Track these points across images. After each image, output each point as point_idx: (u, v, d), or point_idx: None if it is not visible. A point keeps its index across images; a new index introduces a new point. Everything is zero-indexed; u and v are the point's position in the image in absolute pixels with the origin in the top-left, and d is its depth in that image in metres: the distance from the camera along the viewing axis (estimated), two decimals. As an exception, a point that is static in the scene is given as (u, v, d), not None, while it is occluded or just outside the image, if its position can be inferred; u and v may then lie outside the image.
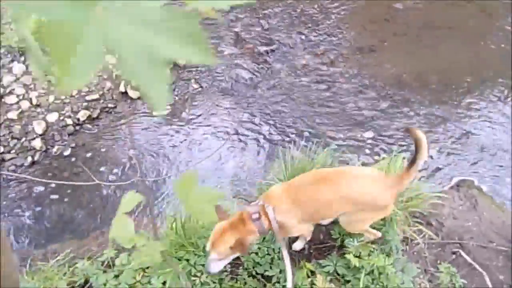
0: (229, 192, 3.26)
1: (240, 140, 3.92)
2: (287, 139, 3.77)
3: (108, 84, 4.33)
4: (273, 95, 4.32)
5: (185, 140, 3.96)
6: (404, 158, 2.83)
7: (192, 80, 4.51)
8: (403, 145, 3.45)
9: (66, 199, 3.49)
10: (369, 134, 3.73)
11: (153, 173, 3.75)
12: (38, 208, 3.47)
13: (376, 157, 3.31)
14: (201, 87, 4.44)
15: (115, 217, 0.91)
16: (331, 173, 2.06)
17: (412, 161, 1.92)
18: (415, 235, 2.54)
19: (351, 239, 2.23)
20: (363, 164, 3.06)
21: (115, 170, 3.73)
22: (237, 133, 3.99)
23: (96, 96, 4.22)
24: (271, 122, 4.06)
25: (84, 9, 0.51)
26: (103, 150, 3.90)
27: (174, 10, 0.56)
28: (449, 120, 3.93)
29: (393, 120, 3.93)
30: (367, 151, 3.51)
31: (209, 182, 3.55)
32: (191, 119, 4.14)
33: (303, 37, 4.88)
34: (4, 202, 3.41)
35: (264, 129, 3.99)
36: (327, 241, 2.43)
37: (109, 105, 4.23)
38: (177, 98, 4.35)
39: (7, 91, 4.12)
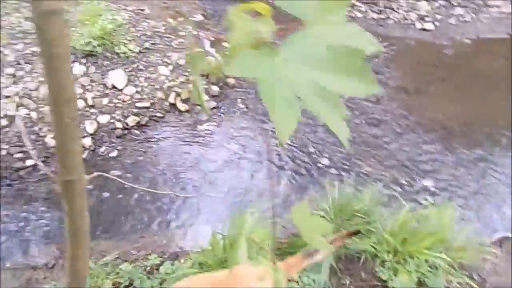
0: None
1: (280, 167, 3.96)
2: (329, 172, 3.79)
3: (159, 94, 4.49)
4: (316, 125, 4.37)
5: (224, 158, 4.03)
6: (451, 207, 2.80)
7: (239, 100, 4.63)
8: (449, 191, 3.42)
9: (108, 199, 3.59)
10: (412, 177, 3.71)
11: (189, 187, 3.81)
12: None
13: (424, 202, 3.28)
14: (247, 108, 4.55)
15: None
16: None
17: (309, 254, 1.74)
18: (460, 287, 2.49)
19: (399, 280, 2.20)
20: (412, 210, 3.02)
21: (151, 177, 3.82)
22: (278, 158, 4.04)
23: (147, 104, 4.38)
24: (313, 152, 4.09)
25: (269, 64, 0.58)
26: (146, 156, 4.01)
27: (339, 49, 0.61)
28: (496, 171, 3.88)
29: (436, 166, 3.91)
30: (411, 194, 3.48)
31: (244, 203, 3.58)
32: (234, 137, 4.23)
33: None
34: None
35: (307, 159, 4.02)
36: (370, 279, 2.41)
37: (158, 114, 4.37)
38: (223, 115, 4.47)
39: (66, 89, 4.32)
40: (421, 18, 6.20)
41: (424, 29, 6.02)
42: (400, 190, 3.51)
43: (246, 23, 0.56)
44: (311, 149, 4.01)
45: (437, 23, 6.14)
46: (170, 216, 3.29)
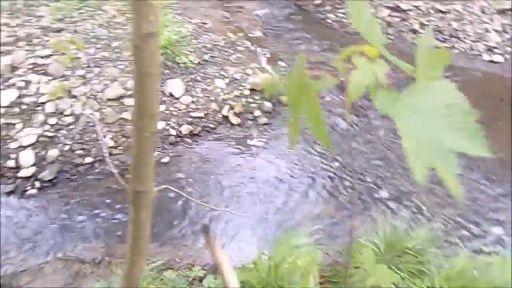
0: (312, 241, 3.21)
1: (327, 189, 3.88)
2: (385, 204, 3.64)
3: (214, 106, 4.60)
4: (367, 150, 4.24)
5: (272, 175, 4.02)
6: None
7: (290, 119, 4.62)
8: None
9: (156, 205, 3.69)
10: (473, 220, 3.47)
11: (235, 202, 3.83)
12: (125, 206, 3.72)
13: (484, 248, 3.05)
14: (298, 127, 4.53)
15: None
16: None
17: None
18: None
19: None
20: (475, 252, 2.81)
21: (200, 187, 3.88)
22: (324, 179, 3.96)
23: (201, 114, 4.50)
24: (361, 176, 3.97)
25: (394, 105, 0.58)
26: (196, 166, 4.10)
27: (456, 108, 0.60)
28: None
29: (501, 211, 3.63)
30: (471, 239, 3.25)
31: (291, 224, 3.53)
32: (283, 155, 4.21)
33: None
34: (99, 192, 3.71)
35: (351, 182, 3.91)
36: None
37: (210, 125, 4.47)
38: (273, 133, 4.48)
39: (128, 93, 4.57)
40: (490, 50, 5.89)
41: (492, 61, 5.71)
42: (459, 233, 3.29)
43: (365, 65, 0.57)
44: (369, 179, 3.88)
45: (507, 56, 5.80)
46: (216, 229, 3.32)
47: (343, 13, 6.61)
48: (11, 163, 3.87)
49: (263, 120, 4.58)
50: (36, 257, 3.29)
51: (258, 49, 5.76)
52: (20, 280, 3.03)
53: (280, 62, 5.50)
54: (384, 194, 3.74)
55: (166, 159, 4.11)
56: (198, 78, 4.91)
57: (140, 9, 0.85)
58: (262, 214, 3.51)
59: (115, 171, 1.22)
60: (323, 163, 4.14)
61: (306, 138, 4.41)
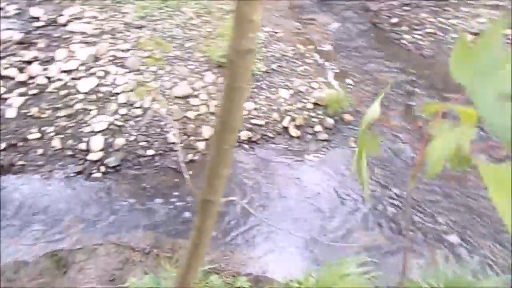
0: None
1: (385, 218, 3.69)
2: (446, 240, 3.39)
3: (275, 115, 4.61)
4: (431, 185, 3.98)
5: (326, 194, 3.91)
6: None
7: (351, 138, 4.49)
8: None
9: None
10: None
11: (287, 215, 3.78)
12: (179, 203, 3.82)
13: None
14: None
15: None
16: None
17: None
18: None
19: None
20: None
21: (252, 195, 3.88)
22: (383, 207, 3.77)
23: (261, 122, 4.53)
24: (421, 211, 3.73)
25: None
26: (250, 172, 4.12)
27: None
28: None
29: None
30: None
31: (339, 249, 3.40)
32: (339, 174, 4.09)
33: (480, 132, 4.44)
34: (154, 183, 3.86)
35: (412, 216, 3.68)
36: None
37: (269, 134, 4.48)
38: (331, 150, 4.37)
39: (195, 93, 4.72)
40: None
41: None
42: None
43: (447, 134, 0.51)
44: (441, 219, 3.63)
45: None
46: (264, 240, 3.30)
47: (420, 35, 6.31)
48: (82, 146, 4.17)
49: (323, 136, 4.49)
50: (91, 237, 3.49)
51: (326, 64, 5.68)
52: (75, 257, 3.23)
53: (347, 79, 5.37)
54: (454, 238, 3.46)
55: (222, 162, 4.17)
56: (263, 86, 4.94)
57: (241, 26, 0.85)
58: (313, 233, 3.42)
59: (187, 176, 1.24)
60: (383, 191, 3.96)
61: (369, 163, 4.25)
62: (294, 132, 4.46)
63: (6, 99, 4.53)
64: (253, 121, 4.54)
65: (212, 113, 4.60)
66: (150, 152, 4.22)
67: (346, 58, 5.89)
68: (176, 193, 3.86)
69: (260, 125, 4.53)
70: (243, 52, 0.86)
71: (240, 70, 0.88)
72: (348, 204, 3.80)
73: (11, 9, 5.86)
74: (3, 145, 4.08)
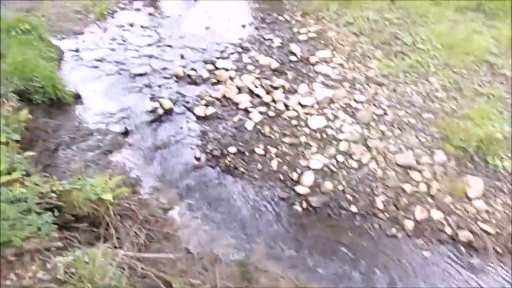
0: None
1: None
2: None
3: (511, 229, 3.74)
4: None
5: None
6: None
7: None
8: None
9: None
10: None
11: None
12: (363, 269, 3.48)
13: None
14: None
15: None
16: None
17: None
18: None
19: None
20: None
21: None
22: None
23: (490, 229, 3.76)
24: None
25: None
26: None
27: None
28: None
29: None
30: None
31: None
32: None
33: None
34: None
35: None
36: None
37: (498, 249, 3.66)
38: None
39: (418, 167, 4.32)
40: None
41: None
42: None
43: None
44: None
45: None
46: None
47: None
48: (294, 176, 4.35)
49: None
50: (274, 263, 3.52)
51: None
52: (260, 277, 3.29)
53: None
54: None
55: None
56: (505, 188, 4.13)
57: None
58: None
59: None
60: None
61: None
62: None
63: (249, 112, 5.21)
64: (480, 224, 3.82)
65: (432, 196, 4.09)
66: (353, 208, 4.05)
67: None
68: (364, 261, 3.55)
69: (488, 233, 3.76)
70: None
71: None
72: None
73: (277, 42, 6.84)
74: (234, 150, 4.66)
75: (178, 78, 5.94)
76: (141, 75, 5.99)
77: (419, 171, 4.32)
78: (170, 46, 6.84)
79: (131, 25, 7.65)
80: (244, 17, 7.94)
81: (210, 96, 5.53)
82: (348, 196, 4.16)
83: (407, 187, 4.17)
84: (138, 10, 8.45)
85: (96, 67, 6.11)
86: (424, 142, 4.65)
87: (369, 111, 5.08)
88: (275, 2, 8.39)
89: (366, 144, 4.63)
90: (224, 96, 5.54)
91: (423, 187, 4.17)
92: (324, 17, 7.54)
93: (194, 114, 5.26)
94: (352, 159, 4.50)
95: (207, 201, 4.12)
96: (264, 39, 7.02)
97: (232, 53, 6.59)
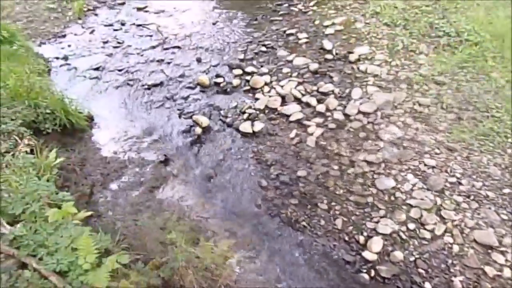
0: None
1: None
2: None
3: None
4: None
5: None
6: None
7: None
8: None
9: None
10: None
11: None
12: None
13: None
14: None
15: None
16: None
17: None
18: None
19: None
20: None
21: None
22: None
23: None
24: None
25: None
26: None
27: None
28: None
29: None
30: None
31: None
32: None
33: None
34: None
35: None
36: None
37: None
38: None
39: (500, 249, 3.65)
40: None
41: None
42: None
43: None
44: None
45: None
46: None
47: None
48: (361, 239, 3.52)
49: None
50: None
51: None
52: None
53: None
54: None
55: None
56: None
57: None
58: None
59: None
60: None
61: None
62: None
63: (305, 126, 4.32)
64: None
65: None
66: (427, 286, 3.28)
67: None
68: None
69: None
70: None
71: None
72: None
73: (302, 38, 5.96)
74: (295, 201, 3.76)
75: (204, 87, 4.90)
76: (156, 85, 4.87)
77: (502, 253, 3.53)
78: (179, 47, 5.73)
79: (122, 23, 6.40)
80: (251, 8, 6.95)
81: (251, 108, 4.56)
82: (421, 271, 3.37)
83: (489, 270, 3.42)
84: (122, 4, 7.17)
85: (97, 78, 4.89)
86: (506, 221, 3.76)
87: (440, 177, 4.36)
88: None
89: (440, 214, 3.74)
90: (267, 107, 4.60)
91: (507, 273, 3.44)
92: (343, 6, 6.76)
93: (238, 131, 4.28)
94: (425, 228, 3.56)
95: (265, 252, 3.25)
96: (286, 34, 6.11)
97: (256, 53, 5.62)
